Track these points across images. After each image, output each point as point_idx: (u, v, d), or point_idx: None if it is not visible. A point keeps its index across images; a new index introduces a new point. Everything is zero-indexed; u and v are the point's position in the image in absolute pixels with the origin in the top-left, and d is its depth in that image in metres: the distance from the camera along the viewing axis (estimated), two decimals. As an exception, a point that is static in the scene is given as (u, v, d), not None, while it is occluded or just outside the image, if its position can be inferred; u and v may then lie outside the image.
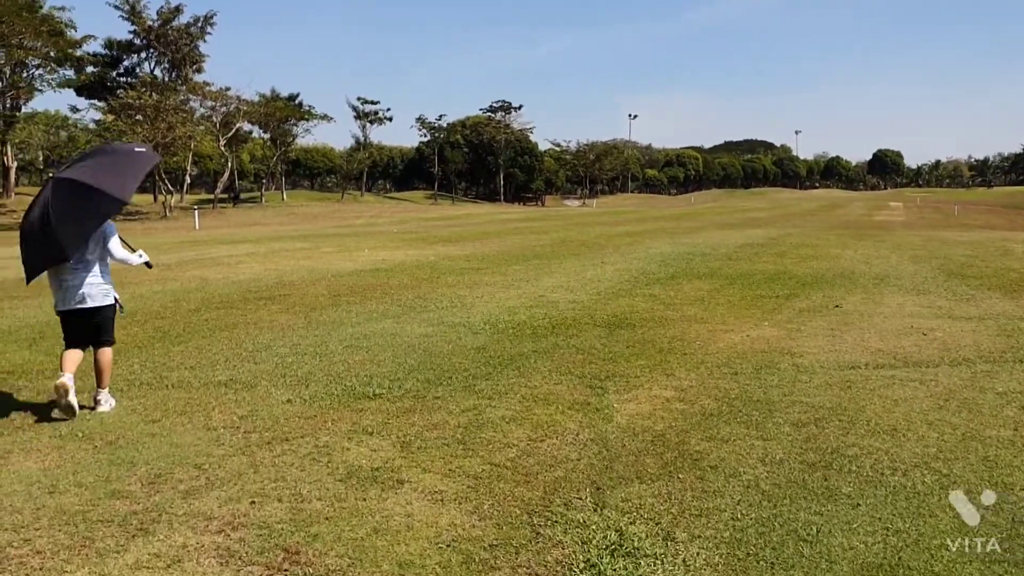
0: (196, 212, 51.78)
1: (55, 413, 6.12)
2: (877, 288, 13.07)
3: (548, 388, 6.91)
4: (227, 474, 4.95)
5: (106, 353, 6.48)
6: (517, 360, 7.97)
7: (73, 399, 6.03)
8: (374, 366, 7.79)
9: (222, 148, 68.03)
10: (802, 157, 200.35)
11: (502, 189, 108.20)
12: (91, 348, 6.48)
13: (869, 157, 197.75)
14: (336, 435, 5.69)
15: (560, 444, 5.51)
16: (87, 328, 6.40)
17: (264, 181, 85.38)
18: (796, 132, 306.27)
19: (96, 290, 6.35)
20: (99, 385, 6.46)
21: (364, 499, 4.56)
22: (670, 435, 5.67)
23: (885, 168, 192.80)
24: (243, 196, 73.42)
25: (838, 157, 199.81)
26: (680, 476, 4.92)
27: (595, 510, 4.44)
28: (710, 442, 5.52)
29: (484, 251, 22.05)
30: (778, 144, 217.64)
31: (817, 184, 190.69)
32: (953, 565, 3.85)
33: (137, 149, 6.83)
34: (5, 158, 57.80)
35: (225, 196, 71.72)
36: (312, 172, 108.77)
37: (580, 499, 4.58)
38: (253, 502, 4.52)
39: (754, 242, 24.18)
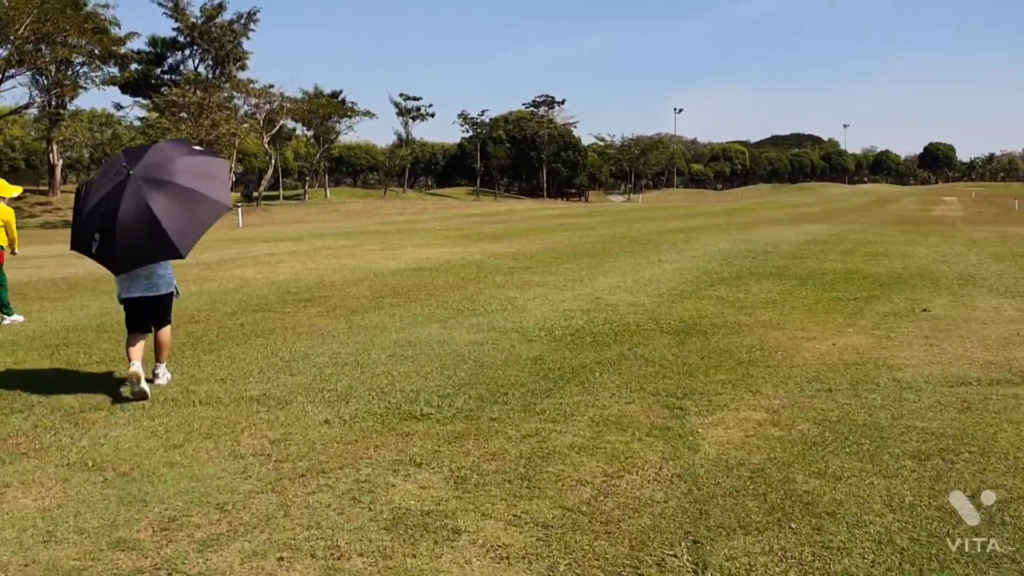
0: (240, 209, 51.66)
1: (124, 392, 6.57)
2: (964, 289, 12.02)
3: (619, 408, 6.07)
4: (253, 518, 4.19)
5: (166, 332, 7.02)
6: (580, 373, 7.14)
7: (145, 386, 6.45)
8: (420, 379, 7.02)
9: (266, 146, 68.01)
10: (850, 151, 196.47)
11: (545, 184, 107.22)
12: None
13: (920, 151, 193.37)
14: (379, 467, 4.91)
15: (641, 481, 4.67)
16: (151, 312, 6.87)
17: (307, 178, 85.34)
18: (844, 126, 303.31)
19: (163, 281, 6.89)
20: (158, 360, 7.01)
21: (414, 555, 3.77)
22: (770, 470, 4.81)
23: (936, 162, 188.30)
24: (256, 195, 71.54)
25: (887, 151, 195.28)
26: (792, 526, 4.06)
27: (696, 573, 3.61)
28: (820, 479, 4.65)
29: (532, 248, 21.23)
30: (826, 138, 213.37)
31: (866, 179, 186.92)
32: None
33: (197, 148, 7.39)
34: (51, 156, 58.22)
35: (251, 196, 71.11)
36: (355, 169, 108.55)
37: (675, 557, 3.75)
38: (281, 558, 3.75)
39: (816, 239, 23.05)
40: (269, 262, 18.42)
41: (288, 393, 6.62)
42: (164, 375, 6.98)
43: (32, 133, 64.46)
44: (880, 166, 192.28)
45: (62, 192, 54.54)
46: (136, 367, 6.41)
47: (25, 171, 76.84)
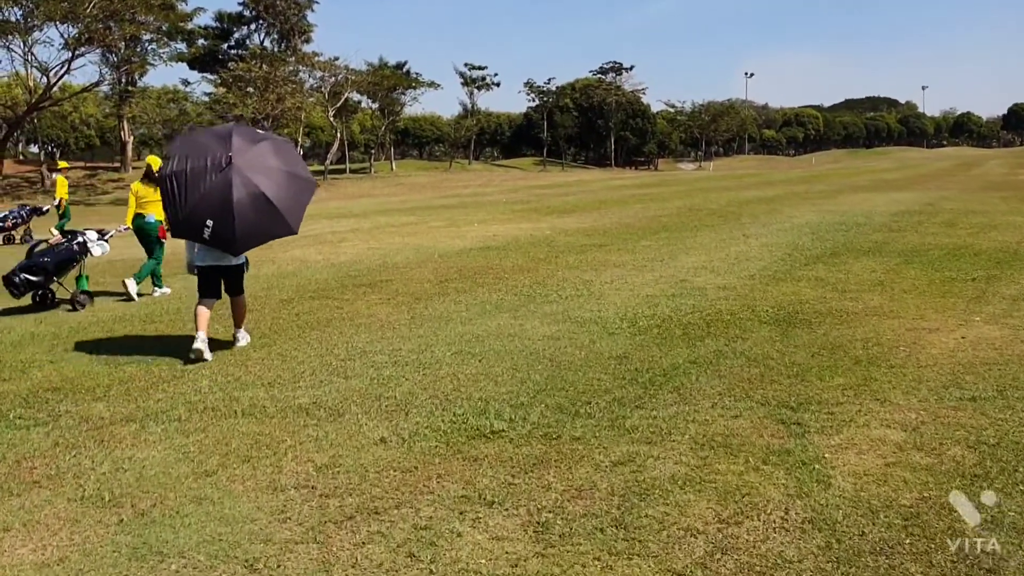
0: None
1: (192, 356, 7.13)
2: (1098, 267, 10.69)
3: (725, 424, 5.14)
4: (287, 582, 3.39)
5: (240, 300, 7.73)
6: (672, 376, 6.20)
7: (207, 356, 7.13)
8: (490, 383, 6.17)
9: (331, 119, 67.74)
10: (929, 114, 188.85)
11: (613, 153, 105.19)
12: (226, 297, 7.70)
13: (1004, 112, 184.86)
14: (443, 506, 4.08)
15: (765, 529, 3.75)
16: (222, 280, 7.54)
17: (373, 151, 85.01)
18: (922, 88, 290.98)
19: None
20: (237, 325, 7.78)
21: (485, 647, 2.93)
22: (928, 515, 3.83)
23: (1022, 123, 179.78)
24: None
25: (969, 113, 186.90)
26: (974, 604, 3.11)
27: None
28: (997, 531, 3.67)
29: (604, 223, 20.20)
30: (903, 101, 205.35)
31: (945, 142, 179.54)
32: None
33: (260, 132, 7.96)
34: (122, 132, 58.75)
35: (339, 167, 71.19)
36: (420, 141, 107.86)
37: (827, 654, 2.84)
38: (317, 648, 2.95)
39: (909, 208, 21.47)
40: (331, 240, 17.79)
41: (341, 401, 5.84)
42: (243, 337, 7.74)
43: (104, 110, 65.09)
44: (961, 129, 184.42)
45: (134, 168, 54.84)
46: (200, 343, 7.14)
47: (100, 148, 78.04)
